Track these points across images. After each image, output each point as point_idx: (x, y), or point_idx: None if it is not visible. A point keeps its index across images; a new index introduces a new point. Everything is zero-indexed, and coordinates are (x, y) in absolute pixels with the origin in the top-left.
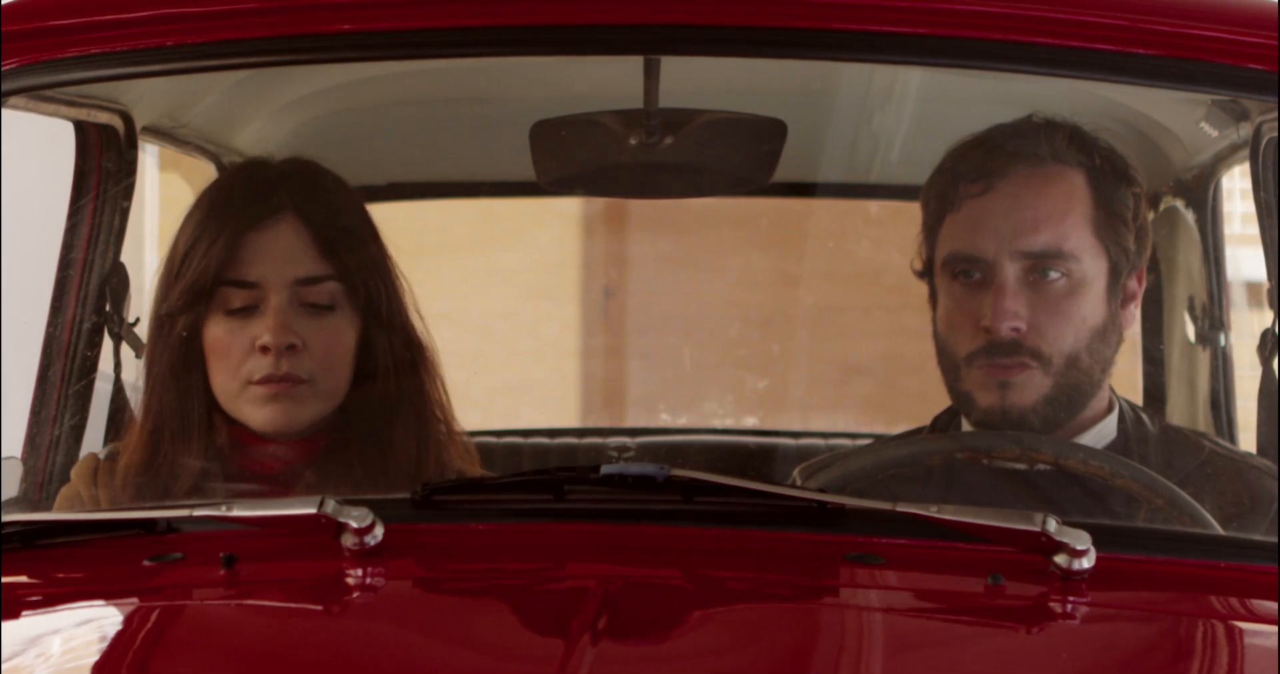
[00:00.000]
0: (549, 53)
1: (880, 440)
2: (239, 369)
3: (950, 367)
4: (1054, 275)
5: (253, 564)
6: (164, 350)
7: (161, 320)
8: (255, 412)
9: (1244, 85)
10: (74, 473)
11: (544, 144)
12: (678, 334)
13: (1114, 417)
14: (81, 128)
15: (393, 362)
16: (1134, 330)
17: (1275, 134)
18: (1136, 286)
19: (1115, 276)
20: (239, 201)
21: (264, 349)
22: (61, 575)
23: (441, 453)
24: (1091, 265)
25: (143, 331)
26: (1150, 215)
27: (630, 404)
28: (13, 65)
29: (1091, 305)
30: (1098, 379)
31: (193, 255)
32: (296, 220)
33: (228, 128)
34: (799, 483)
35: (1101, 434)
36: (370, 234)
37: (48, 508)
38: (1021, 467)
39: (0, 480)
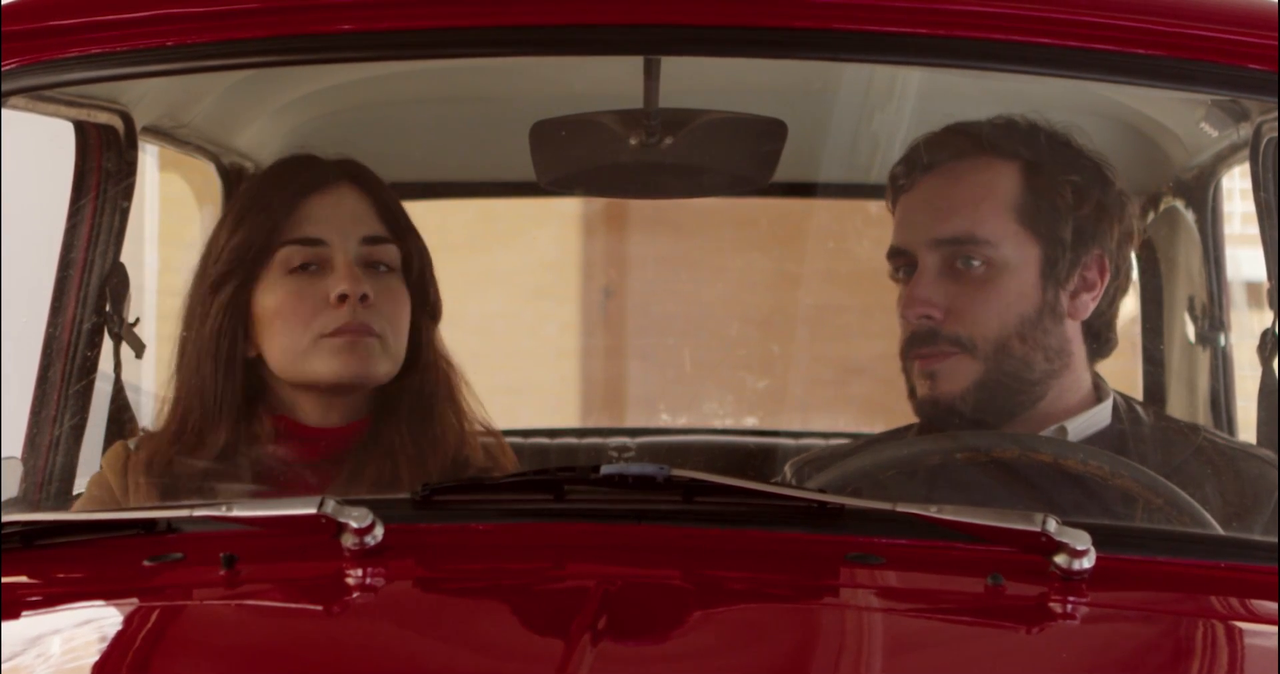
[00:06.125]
0: (549, 53)
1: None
2: (309, 325)
3: (902, 365)
4: (975, 263)
5: (253, 564)
6: (203, 326)
7: (201, 296)
8: (327, 363)
9: (1244, 85)
10: (103, 462)
11: (544, 144)
12: (678, 334)
13: (1107, 406)
14: (81, 128)
15: (434, 348)
16: (1134, 330)
17: (1275, 134)
18: (1097, 277)
19: (1051, 264)
20: (295, 172)
21: (341, 298)
22: (61, 575)
23: (475, 444)
24: (1015, 252)
25: (143, 332)
26: (1150, 215)
27: (630, 404)
28: (13, 65)
29: (1018, 292)
30: (1043, 367)
31: (246, 220)
32: (355, 187)
33: (228, 128)
34: (789, 478)
35: (1092, 422)
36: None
37: (48, 508)
38: (1021, 467)
39: (0, 480)
